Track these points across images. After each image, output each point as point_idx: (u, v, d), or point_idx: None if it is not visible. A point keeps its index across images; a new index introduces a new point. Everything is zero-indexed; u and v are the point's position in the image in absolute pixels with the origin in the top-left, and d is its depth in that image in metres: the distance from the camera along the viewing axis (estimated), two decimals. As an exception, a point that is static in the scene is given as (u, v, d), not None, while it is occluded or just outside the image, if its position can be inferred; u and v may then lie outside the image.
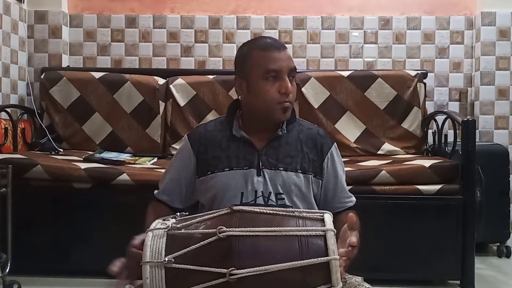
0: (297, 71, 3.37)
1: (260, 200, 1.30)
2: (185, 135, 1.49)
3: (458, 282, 2.40)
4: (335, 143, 1.45)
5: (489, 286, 2.44)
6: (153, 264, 1.01)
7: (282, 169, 1.34)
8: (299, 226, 1.03)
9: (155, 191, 1.48)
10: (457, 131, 2.59)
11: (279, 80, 1.32)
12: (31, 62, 3.33)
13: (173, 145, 2.99)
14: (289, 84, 1.32)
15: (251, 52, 1.36)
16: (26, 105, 3.21)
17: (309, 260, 0.97)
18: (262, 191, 1.31)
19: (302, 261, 0.97)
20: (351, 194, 1.45)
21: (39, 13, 3.32)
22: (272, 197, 1.31)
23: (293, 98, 1.35)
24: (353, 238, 1.04)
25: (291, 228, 1.02)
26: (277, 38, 3.23)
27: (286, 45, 1.40)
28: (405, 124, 2.98)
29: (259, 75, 1.32)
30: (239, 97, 1.42)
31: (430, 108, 3.24)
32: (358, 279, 1.22)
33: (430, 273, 2.41)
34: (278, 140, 1.38)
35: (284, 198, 1.31)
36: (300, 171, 1.35)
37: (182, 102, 3.01)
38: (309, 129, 1.44)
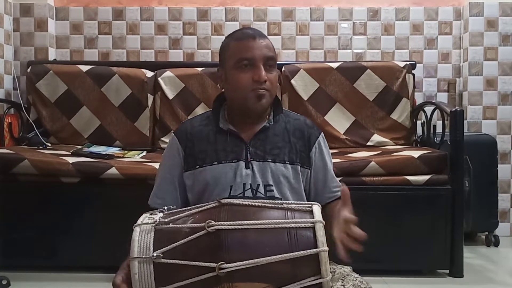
0: (287, 63, 3.35)
1: (248, 193, 1.30)
2: (171, 132, 1.47)
3: (447, 271, 2.42)
4: (322, 133, 1.45)
5: (478, 275, 2.47)
6: (142, 259, 1.00)
7: (270, 160, 1.34)
8: (287, 218, 1.02)
9: (149, 201, 1.43)
10: (446, 121, 2.61)
11: (253, 68, 1.32)
12: (17, 55, 3.28)
13: (162, 139, 2.97)
14: (263, 72, 1.31)
15: (228, 44, 1.38)
16: (12, 99, 3.16)
17: (299, 252, 0.98)
18: (250, 184, 1.31)
19: (291, 253, 0.98)
20: (340, 184, 1.45)
21: (24, 6, 3.27)
22: (261, 189, 1.31)
23: (270, 87, 1.34)
24: (351, 216, 1.07)
25: (280, 220, 1.02)
26: (266, 30, 3.23)
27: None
28: (394, 115, 2.99)
29: (233, 65, 1.33)
30: (218, 86, 1.43)
31: (419, 99, 3.25)
32: (347, 269, 1.22)
33: (419, 262, 2.43)
34: (265, 131, 1.37)
35: (273, 190, 1.31)
36: (288, 162, 1.35)
37: (170, 95, 2.99)
38: (296, 120, 1.44)
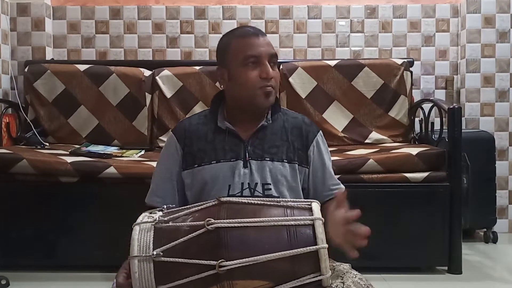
0: (284, 61, 3.35)
1: (246, 192, 1.29)
2: (170, 131, 1.46)
3: (446, 268, 2.42)
4: (320, 131, 1.45)
5: (477, 271, 2.47)
6: (141, 258, 1.00)
7: (268, 159, 1.33)
8: (287, 216, 1.03)
9: (146, 199, 1.43)
10: (444, 118, 2.61)
11: (260, 66, 1.31)
12: (14, 55, 3.27)
13: (161, 137, 2.97)
14: (270, 69, 1.32)
15: (230, 42, 1.36)
16: (10, 99, 3.15)
17: (298, 249, 0.98)
18: (248, 183, 1.31)
19: (291, 251, 0.98)
20: (339, 182, 1.45)
21: (21, 5, 3.26)
22: (259, 188, 1.30)
23: (275, 84, 1.34)
24: (350, 213, 1.08)
25: (279, 218, 1.02)
26: (264, 28, 3.22)
27: (273, 35, 1.40)
28: (392, 113, 2.99)
29: (239, 63, 1.32)
30: (221, 86, 1.42)
31: (416, 96, 3.25)
32: (346, 266, 1.23)
33: (418, 259, 2.44)
34: (263, 130, 1.37)
35: (271, 189, 1.31)
36: (286, 161, 1.35)
37: (168, 93, 2.98)
38: (294, 118, 1.44)
